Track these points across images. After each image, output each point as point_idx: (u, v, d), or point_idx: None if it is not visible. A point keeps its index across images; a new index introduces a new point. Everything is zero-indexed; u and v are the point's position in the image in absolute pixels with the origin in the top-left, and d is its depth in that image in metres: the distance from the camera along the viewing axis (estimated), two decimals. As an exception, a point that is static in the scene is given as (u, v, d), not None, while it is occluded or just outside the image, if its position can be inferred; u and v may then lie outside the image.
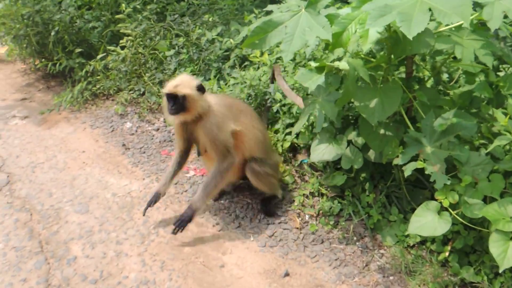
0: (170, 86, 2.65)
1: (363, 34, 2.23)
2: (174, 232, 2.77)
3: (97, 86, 4.62)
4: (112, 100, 4.63)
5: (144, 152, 3.78)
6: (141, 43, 4.56)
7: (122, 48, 4.55)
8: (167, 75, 4.23)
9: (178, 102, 2.63)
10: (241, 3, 5.02)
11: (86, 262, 2.68)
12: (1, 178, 3.48)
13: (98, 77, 4.63)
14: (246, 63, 4.11)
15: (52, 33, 4.70)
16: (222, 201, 3.16)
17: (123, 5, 4.67)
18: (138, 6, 4.93)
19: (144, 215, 2.97)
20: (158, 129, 4.09)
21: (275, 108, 3.44)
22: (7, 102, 4.85)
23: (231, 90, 3.67)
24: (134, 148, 3.85)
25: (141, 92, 4.40)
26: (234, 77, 3.85)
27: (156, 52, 4.49)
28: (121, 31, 4.58)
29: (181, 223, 2.76)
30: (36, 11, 4.81)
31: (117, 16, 4.70)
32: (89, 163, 3.66)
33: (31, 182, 3.42)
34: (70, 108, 4.52)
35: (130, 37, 4.51)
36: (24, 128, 4.30)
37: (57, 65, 4.77)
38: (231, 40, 4.22)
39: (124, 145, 3.88)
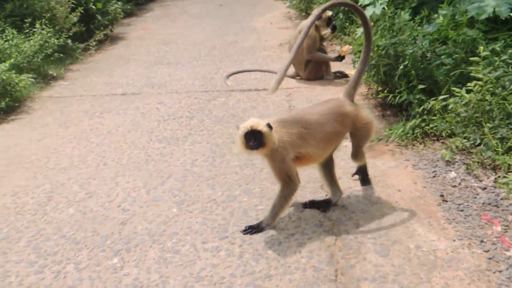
0: (247, 126, 3.04)
1: None
2: (245, 232, 3.32)
3: (430, 126, 4.48)
4: (442, 143, 4.40)
5: (462, 210, 3.43)
6: (490, 89, 4.15)
7: (468, 91, 4.25)
8: (512, 132, 3.73)
9: (257, 138, 3.03)
10: None
11: (372, 310, 2.64)
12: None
13: (434, 117, 4.47)
14: None
15: (401, 67, 4.81)
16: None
17: (481, 47, 4.32)
18: (497, 48, 4.50)
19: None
20: (484, 188, 3.65)
21: None
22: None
23: None
24: (452, 202, 3.54)
25: (476, 143, 4.01)
26: None
27: (506, 103, 4.00)
28: (471, 74, 4.28)
29: (253, 230, 3.33)
30: (391, 43, 5.02)
31: (471, 58, 4.39)
32: (402, 204, 3.58)
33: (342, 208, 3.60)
34: (398, 142, 4.52)
35: (479, 82, 4.16)
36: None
37: (397, 97, 4.85)
38: None
39: (442, 195, 3.62)
